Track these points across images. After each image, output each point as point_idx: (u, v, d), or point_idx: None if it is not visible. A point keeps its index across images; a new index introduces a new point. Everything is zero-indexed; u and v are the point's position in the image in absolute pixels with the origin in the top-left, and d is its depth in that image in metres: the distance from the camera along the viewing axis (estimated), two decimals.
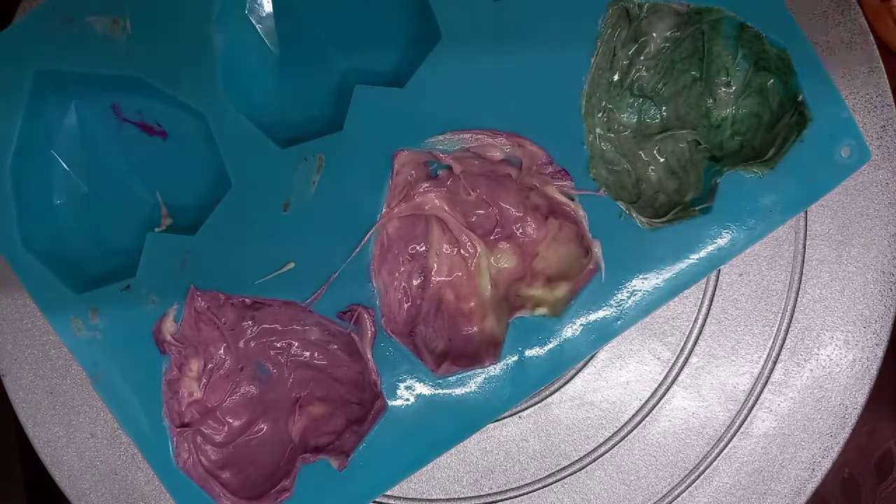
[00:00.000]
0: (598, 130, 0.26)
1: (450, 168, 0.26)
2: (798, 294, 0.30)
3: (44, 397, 0.30)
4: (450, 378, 0.25)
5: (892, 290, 0.30)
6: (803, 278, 0.30)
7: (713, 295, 0.30)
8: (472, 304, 0.27)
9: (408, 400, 0.26)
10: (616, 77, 0.26)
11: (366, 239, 0.25)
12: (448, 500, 0.30)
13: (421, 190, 0.26)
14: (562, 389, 0.30)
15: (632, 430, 0.30)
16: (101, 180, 0.28)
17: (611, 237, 0.25)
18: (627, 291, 0.25)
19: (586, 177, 0.25)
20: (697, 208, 0.25)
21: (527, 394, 0.26)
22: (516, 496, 0.30)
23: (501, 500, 0.30)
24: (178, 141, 0.27)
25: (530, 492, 0.30)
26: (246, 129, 0.25)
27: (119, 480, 0.30)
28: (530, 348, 0.25)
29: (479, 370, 0.25)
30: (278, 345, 0.27)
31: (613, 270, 0.25)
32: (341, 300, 0.25)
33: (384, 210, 0.25)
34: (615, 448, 0.30)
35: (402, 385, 0.26)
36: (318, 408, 0.27)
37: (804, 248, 0.30)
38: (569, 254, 0.26)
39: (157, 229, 0.27)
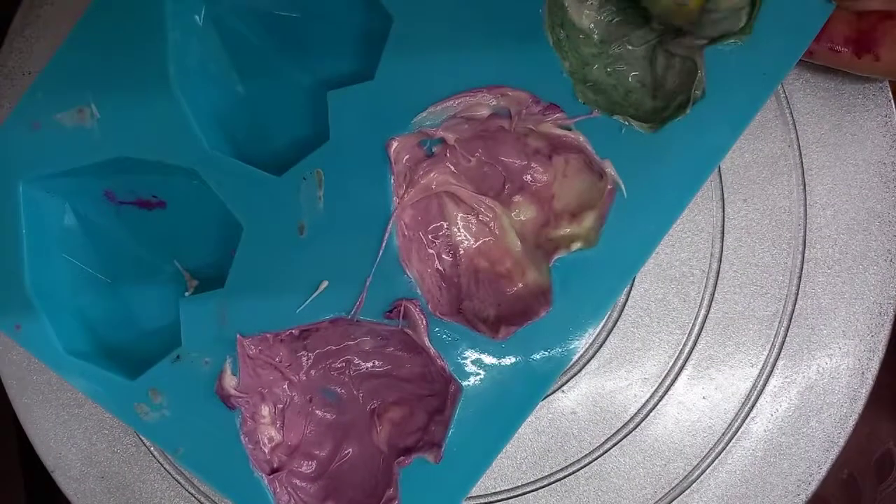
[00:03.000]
0: (570, 56, 0.26)
1: (443, 141, 0.26)
2: (798, 294, 0.30)
3: (43, 397, 0.31)
4: (512, 339, 0.25)
5: (891, 289, 0.29)
6: (803, 278, 0.30)
7: (718, 269, 0.30)
8: (508, 264, 0.27)
9: (479, 374, 0.25)
10: None
11: (387, 235, 0.25)
12: (513, 488, 0.30)
13: (422, 171, 0.26)
14: (572, 380, 0.30)
15: (648, 414, 0.30)
16: (119, 267, 0.28)
17: (619, 153, 0.25)
18: (651, 198, 0.25)
19: (576, 103, 0.25)
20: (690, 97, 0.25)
21: (592, 328, 0.25)
22: (579, 469, 0.30)
23: (566, 476, 0.30)
24: (179, 205, 0.27)
25: (591, 462, 0.30)
26: (239, 170, 0.25)
27: (120, 480, 0.31)
28: (580, 284, 0.25)
29: (538, 322, 0.25)
30: (337, 365, 0.27)
31: (632, 183, 0.25)
32: (384, 300, 0.25)
33: (395, 201, 0.25)
34: (634, 432, 0.30)
35: (468, 362, 0.25)
36: (395, 412, 0.27)
37: (804, 248, 0.30)
38: (583, 184, 0.26)
39: (186, 294, 0.27)
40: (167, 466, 0.31)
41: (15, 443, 0.36)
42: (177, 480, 0.31)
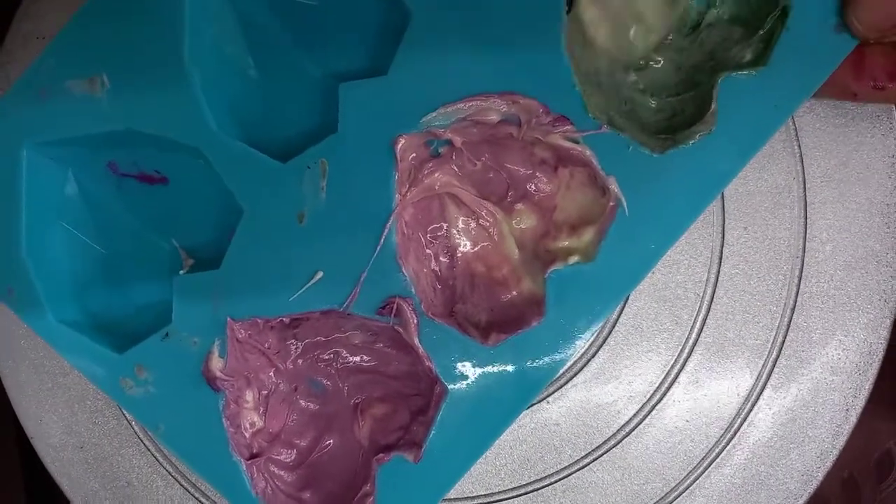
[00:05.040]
0: (583, 68, 0.26)
1: (450, 142, 0.26)
2: (790, 326, 0.30)
3: (44, 397, 0.31)
4: (502, 346, 0.25)
5: (891, 287, 0.30)
6: (796, 311, 0.30)
7: (713, 295, 0.30)
8: (504, 270, 0.27)
9: (466, 378, 0.25)
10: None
11: (386, 231, 0.25)
12: (489, 494, 0.30)
13: (427, 171, 0.26)
14: (558, 392, 0.30)
15: (631, 432, 0.30)
16: (116, 239, 0.28)
17: (624, 170, 0.25)
18: (652, 218, 0.25)
19: (585, 117, 0.25)
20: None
21: (581, 343, 0.25)
22: (556, 480, 0.30)
23: (542, 487, 0.30)
24: (181, 183, 0.27)
25: (569, 475, 0.30)
26: (244, 153, 0.25)
27: (98, 452, 0.31)
28: (573, 297, 0.25)
29: (530, 331, 0.25)
30: (325, 356, 0.27)
31: (634, 201, 0.25)
32: (377, 296, 0.25)
33: (397, 198, 0.25)
34: (614, 449, 0.30)
35: (457, 365, 0.25)
36: (378, 408, 0.27)
37: (800, 281, 0.30)
38: (586, 198, 0.26)
39: (181, 272, 0.27)
40: (147, 443, 0.31)
41: (15, 443, 0.36)
42: (155, 458, 0.31)
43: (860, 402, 0.30)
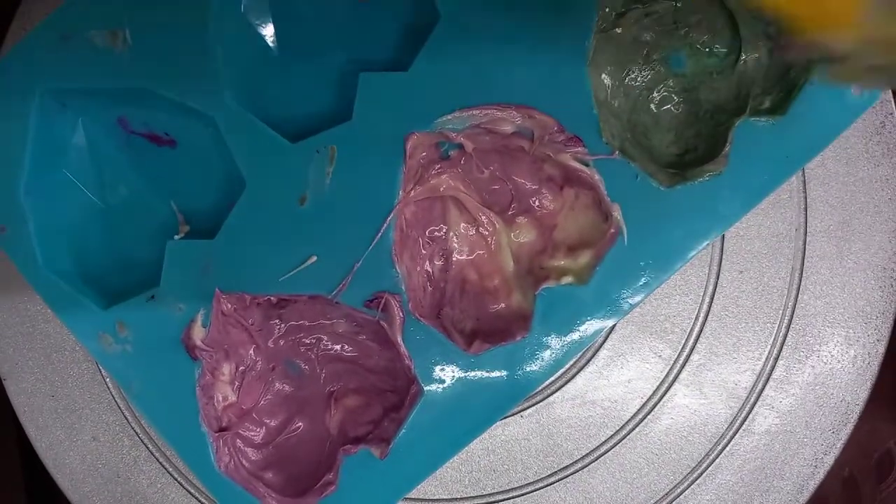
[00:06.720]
0: (601, 95, 0.26)
1: (461, 147, 0.26)
2: (799, 290, 0.30)
3: (45, 401, 0.31)
4: (483, 356, 0.25)
5: (892, 285, 0.30)
6: (804, 275, 0.30)
7: (714, 292, 0.30)
8: (497, 281, 0.27)
9: (443, 382, 0.25)
10: (620, 35, 0.26)
11: (385, 225, 0.25)
12: (451, 499, 0.30)
13: (434, 172, 0.26)
14: (563, 388, 0.30)
15: (634, 429, 0.30)
16: (115, 195, 0.28)
17: (629, 199, 0.25)
18: (649, 251, 0.25)
19: (599, 141, 0.25)
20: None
21: (562, 365, 0.26)
22: (518, 495, 0.30)
23: (504, 500, 0.30)
24: (188, 148, 0.27)
25: (532, 491, 0.30)
26: (256, 127, 0.25)
27: (122, 483, 0.31)
28: (560, 318, 0.25)
29: (513, 344, 0.25)
30: (307, 341, 0.27)
31: (634, 232, 0.25)
32: (367, 289, 0.25)
33: (401, 195, 0.25)
34: (617, 446, 0.30)
35: (436, 368, 0.25)
36: (352, 399, 0.27)
37: (804, 244, 0.30)
38: (588, 221, 0.26)
39: (176, 237, 0.27)
40: (119, 401, 0.31)
41: (15, 443, 0.36)
42: (125, 416, 0.31)
43: (830, 459, 0.30)
